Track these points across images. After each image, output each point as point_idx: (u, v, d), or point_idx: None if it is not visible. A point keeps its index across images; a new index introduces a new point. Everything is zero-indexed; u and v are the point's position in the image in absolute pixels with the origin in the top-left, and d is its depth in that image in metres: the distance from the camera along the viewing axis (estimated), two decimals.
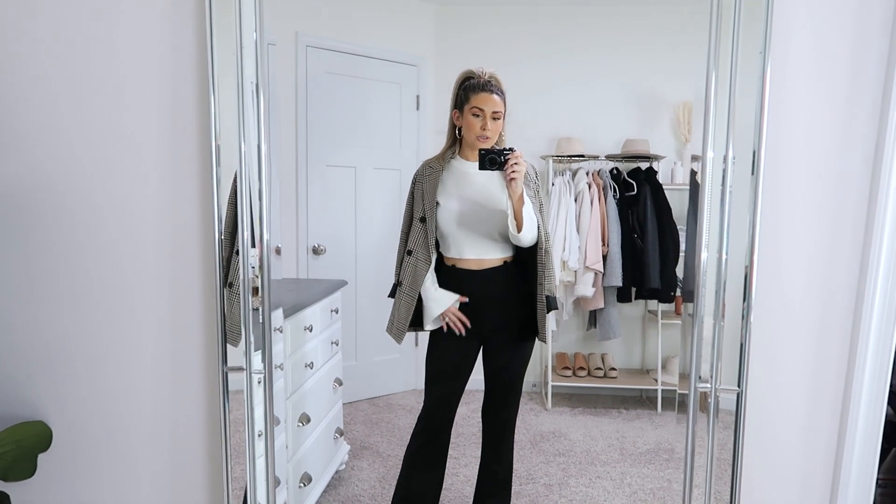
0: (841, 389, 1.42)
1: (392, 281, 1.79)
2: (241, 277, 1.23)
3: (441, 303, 1.72)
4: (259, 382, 1.27)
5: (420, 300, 1.73)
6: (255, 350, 1.26)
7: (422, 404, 1.80)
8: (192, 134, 1.41)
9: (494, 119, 1.67)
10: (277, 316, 1.42)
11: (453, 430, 1.82)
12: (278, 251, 1.39)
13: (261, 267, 1.24)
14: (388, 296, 1.79)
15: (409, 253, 1.72)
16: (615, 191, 2.28)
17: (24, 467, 1.35)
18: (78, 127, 1.45)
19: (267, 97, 1.27)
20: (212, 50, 1.25)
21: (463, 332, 1.72)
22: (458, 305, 1.73)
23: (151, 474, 1.54)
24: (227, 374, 1.27)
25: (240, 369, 1.26)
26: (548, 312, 1.71)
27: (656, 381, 2.31)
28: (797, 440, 1.48)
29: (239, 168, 1.24)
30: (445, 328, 1.73)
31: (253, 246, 1.24)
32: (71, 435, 1.52)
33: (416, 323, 1.76)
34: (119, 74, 1.43)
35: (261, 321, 1.24)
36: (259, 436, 1.29)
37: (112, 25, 1.41)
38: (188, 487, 1.55)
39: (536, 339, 1.76)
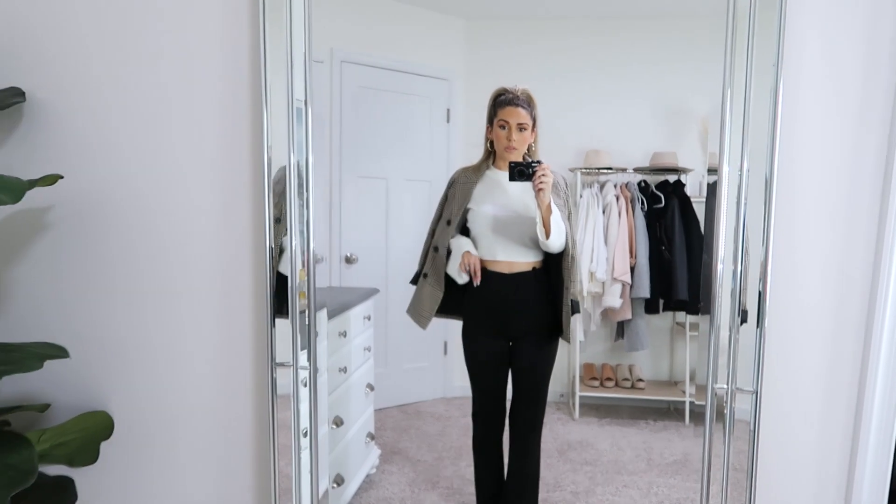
0: (854, 397, 1.44)
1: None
2: (290, 284, 1.31)
3: (460, 248, 1.84)
4: (304, 384, 1.34)
5: (445, 292, 1.86)
6: (301, 350, 1.34)
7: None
8: (245, 147, 1.53)
9: (521, 130, 1.80)
10: (322, 316, 1.50)
11: None
12: (320, 259, 1.47)
13: (307, 270, 1.32)
14: (411, 282, 1.92)
15: (436, 249, 1.84)
16: (643, 203, 2.29)
17: (87, 454, 1.45)
18: (139, 139, 1.58)
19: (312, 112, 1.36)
20: (265, 68, 1.34)
21: (478, 273, 1.82)
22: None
23: (202, 461, 1.65)
24: (274, 368, 1.35)
25: (286, 364, 1.34)
26: (572, 315, 1.82)
27: (684, 392, 2.31)
28: (812, 445, 1.50)
29: (287, 179, 1.32)
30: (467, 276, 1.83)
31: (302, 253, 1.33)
32: (130, 424, 1.64)
33: (445, 310, 1.88)
34: (176, 96, 1.55)
35: (307, 323, 1.32)
36: (304, 435, 1.36)
37: (172, 47, 1.54)
38: (236, 472, 1.66)
39: (560, 339, 1.87)
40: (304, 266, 1.34)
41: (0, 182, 1.12)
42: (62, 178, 1.40)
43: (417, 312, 1.91)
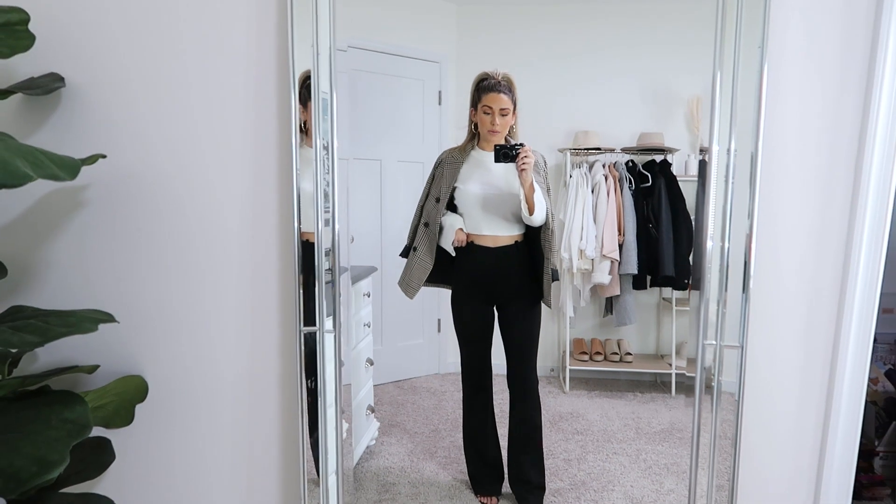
0: (829, 363, 1.53)
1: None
2: (317, 262, 1.39)
3: (453, 225, 1.99)
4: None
5: (434, 263, 2.01)
6: (327, 316, 1.43)
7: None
8: (272, 130, 1.64)
9: (503, 115, 1.93)
10: (345, 280, 1.69)
11: None
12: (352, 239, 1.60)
13: (332, 246, 1.40)
14: (400, 255, 2.06)
15: (426, 225, 1.95)
16: (631, 182, 2.35)
17: (123, 416, 1.54)
18: (166, 122, 1.67)
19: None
20: (293, 55, 1.40)
21: (464, 242, 1.98)
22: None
23: (232, 421, 1.75)
24: (302, 332, 1.43)
25: (312, 325, 1.42)
26: (552, 282, 1.99)
27: (670, 365, 2.39)
28: (790, 413, 1.59)
29: (315, 161, 1.39)
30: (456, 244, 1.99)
31: (326, 225, 1.41)
32: (164, 388, 1.74)
33: (435, 280, 2.02)
34: (201, 82, 1.62)
35: (332, 294, 1.41)
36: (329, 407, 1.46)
37: (198, 36, 1.63)
38: (264, 430, 1.78)
39: (542, 303, 2.02)
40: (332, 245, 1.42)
41: (59, 161, 1.19)
42: (104, 157, 1.46)
43: (407, 283, 2.04)
